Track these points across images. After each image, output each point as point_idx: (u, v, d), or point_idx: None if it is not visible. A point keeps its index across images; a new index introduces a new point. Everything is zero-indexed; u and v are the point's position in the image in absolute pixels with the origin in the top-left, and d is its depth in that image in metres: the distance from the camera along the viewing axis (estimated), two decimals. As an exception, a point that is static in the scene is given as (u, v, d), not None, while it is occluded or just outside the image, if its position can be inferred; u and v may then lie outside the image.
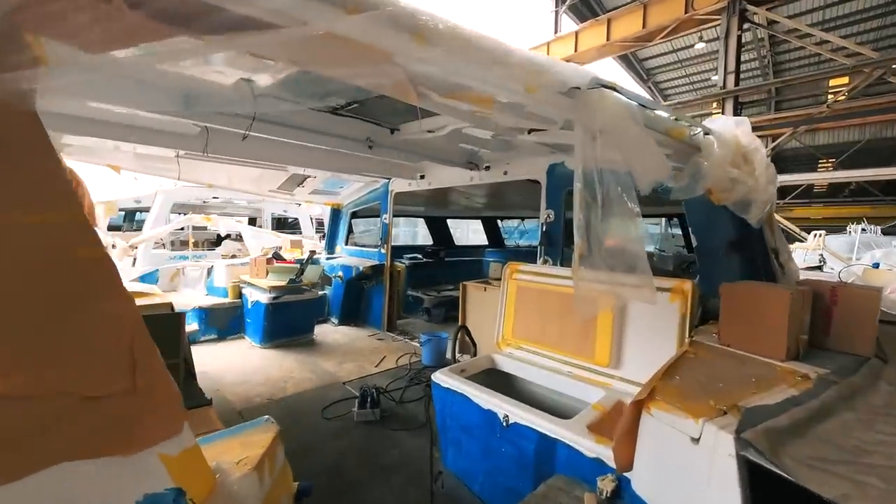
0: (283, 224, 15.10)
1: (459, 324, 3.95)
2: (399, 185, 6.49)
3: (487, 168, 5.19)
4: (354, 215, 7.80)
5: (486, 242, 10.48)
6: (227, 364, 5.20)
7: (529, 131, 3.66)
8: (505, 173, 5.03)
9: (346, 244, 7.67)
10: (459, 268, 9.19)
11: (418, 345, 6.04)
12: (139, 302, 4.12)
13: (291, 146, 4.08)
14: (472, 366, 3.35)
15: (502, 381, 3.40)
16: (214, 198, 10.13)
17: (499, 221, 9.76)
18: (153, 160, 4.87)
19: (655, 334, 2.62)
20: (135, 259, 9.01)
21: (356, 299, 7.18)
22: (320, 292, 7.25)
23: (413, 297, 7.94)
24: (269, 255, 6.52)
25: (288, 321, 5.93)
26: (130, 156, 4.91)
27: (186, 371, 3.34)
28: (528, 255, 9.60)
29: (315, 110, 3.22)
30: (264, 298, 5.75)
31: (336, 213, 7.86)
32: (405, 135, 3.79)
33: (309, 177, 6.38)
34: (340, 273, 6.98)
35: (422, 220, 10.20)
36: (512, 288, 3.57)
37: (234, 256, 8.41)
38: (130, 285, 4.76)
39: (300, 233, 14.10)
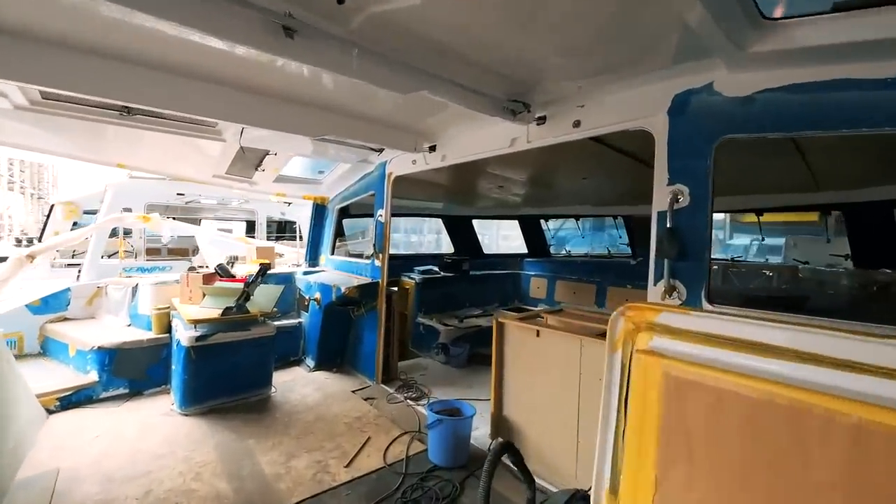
0: (285, 229, 13.31)
1: (496, 442, 1.68)
2: (399, 164, 4.32)
3: (541, 121, 2.93)
4: (344, 213, 5.69)
5: (523, 251, 8.17)
6: (103, 450, 3.13)
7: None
8: (576, 125, 2.75)
9: (333, 253, 5.56)
10: (489, 285, 6.91)
11: (425, 412, 3.82)
12: None
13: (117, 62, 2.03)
14: None
15: None
16: (179, 194, 8.35)
17: (542, 222, 7.45)
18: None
19: None
20: (79, 272, 7.27)
21: (340, 333, 5.02)
22: (294, 322, 5.16)
23: (425, 327, 5.72)
24: (213, 269, 4.48)
25: (223, 373, 3.83)
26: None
27: None
28: (590, 270, 6.79)
29: None
30: (186, 338, 3.68)
31: (320, 210, 5.77)
32: (372, 2, 1.60)
33: (267, 153, 4.31)
34: (318, 294, 4.86)
35: (437, 222, 8.00)
36: (646, 378, 1.30)
37: (192, 269, 6.45)
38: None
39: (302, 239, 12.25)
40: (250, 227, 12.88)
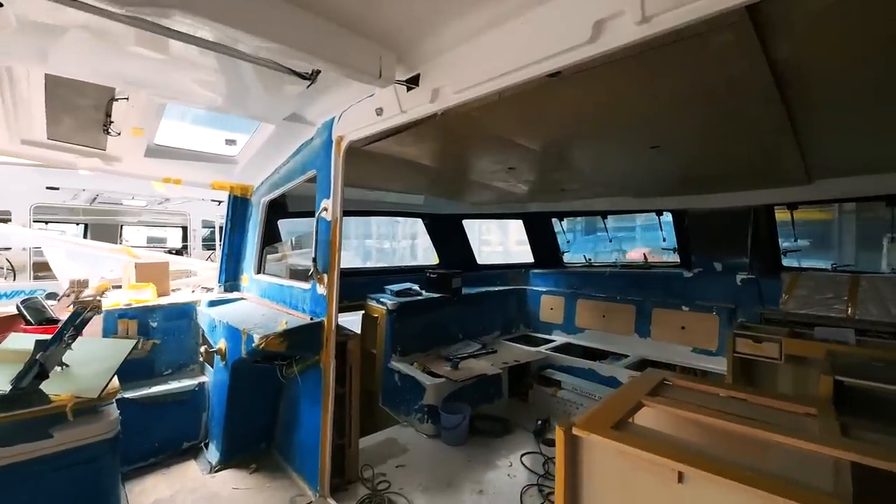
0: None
1: None
2: (354, 120, 2.49)
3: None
4: (277, 210, 3.80)
5: (514, 259, 6.44)
6: None
7: None
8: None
9: (260, 271, 3.64)
10: (486, 306, 5.14)
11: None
12: None
13: None
14: None
15: None
16: (51, 188, 6.20)
17: (556, 222, 5.72)
18: None
19: None
20: None
21: (263, 403, 3.13)
22: (191, 384, 3.23)
23: (402, 377, 3.88)
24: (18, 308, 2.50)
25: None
26: None
27: None
28: (622, 284, 4.69)
29: None
30: None
31: (240, 205, 3.85)
32: None
33: (112, 98, 2.39)
34: (222, 343, 2.94)
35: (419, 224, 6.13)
36: None
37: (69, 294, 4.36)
38: None
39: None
40: (184, 235, 10.73)
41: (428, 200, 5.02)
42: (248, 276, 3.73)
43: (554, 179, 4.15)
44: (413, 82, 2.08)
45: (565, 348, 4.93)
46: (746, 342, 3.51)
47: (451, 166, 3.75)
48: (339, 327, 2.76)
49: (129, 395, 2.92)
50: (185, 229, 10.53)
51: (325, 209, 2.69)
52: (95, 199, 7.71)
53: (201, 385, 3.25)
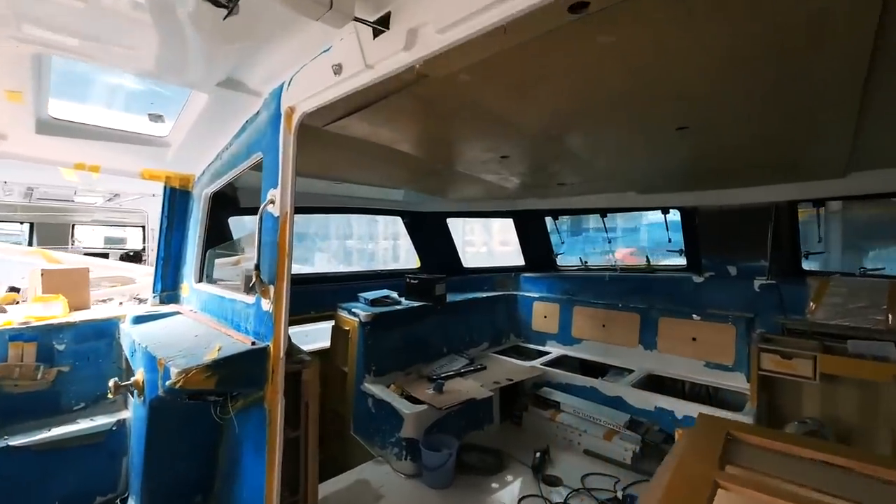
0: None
1: None
2: (307, 85, 1.90)
3: None
4: (225, 204, 3.17)
5: (516, 262, 5.91)
6: None
7: None
8: None
9: (201, 279, 3.00)
10: (473, 315, 4.60)
11: None
12: None
13: None
14: None
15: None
16: None
17: (550, 221, 5.20)
18: None
19: None
20: None
21: (195, 449, 2.49)
22: (108, 422, 2.58)
23: (377, 402, 3.30)
24: None
25: None
26: None
27: None
28: (625, 290, 4.01)
29: None
30: None
31: (178, 199, 3.21)
32: None
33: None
34: (140, 374, 2.30)
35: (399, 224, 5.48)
36: None
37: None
38: None
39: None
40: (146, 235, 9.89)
41: (408, 196, 4.44)
42: (189, 284, 3.08)
43: (551, 172, 3.63)
44: (382, 24, 1.51)
45: (561, 361, 4.43)
46: (773, 358, 3.07)
47: (434, 155, 3.17)
48: (291, 352, 2.16)
49: (17, 441, 2.27)
50: (143, 229, 9.70)
51: (272, 202, 2.09)
52: (31, 193, 6.85)
53: (121, 423, 2.60)
